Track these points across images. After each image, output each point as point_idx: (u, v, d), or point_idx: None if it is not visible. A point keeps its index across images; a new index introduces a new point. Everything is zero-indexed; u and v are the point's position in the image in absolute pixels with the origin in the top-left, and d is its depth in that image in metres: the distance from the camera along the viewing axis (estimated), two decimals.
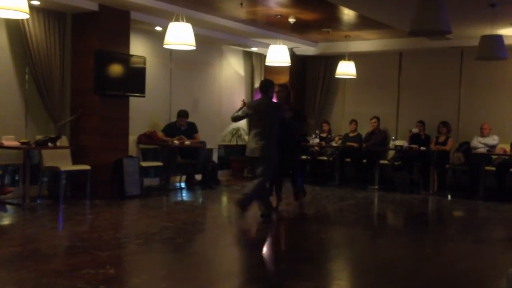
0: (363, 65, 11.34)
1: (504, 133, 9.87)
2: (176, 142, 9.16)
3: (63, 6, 7.89)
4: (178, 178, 10.06)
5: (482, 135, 9.89)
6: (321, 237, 6.35)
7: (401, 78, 11.58)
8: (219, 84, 11.37)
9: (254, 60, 11.97)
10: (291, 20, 9.17)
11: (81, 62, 8.26)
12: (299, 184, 7.93)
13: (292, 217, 7.55)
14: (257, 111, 6.94)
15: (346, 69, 10.82)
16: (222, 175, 11.17)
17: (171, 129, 9.48)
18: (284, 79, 11.49)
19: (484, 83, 10.67)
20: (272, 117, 6.87)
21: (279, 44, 9.66)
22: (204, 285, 4.30)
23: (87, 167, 7.92)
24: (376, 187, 10.35)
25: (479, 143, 9.83)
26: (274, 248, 5.98)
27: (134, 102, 8.85)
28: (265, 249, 5.84)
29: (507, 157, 9.51)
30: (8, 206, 7.25)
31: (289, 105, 7.49)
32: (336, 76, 11.16)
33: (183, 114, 9.56)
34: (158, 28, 9.07)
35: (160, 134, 9.35)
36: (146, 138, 9.11)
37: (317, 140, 11.01)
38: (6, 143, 7.15)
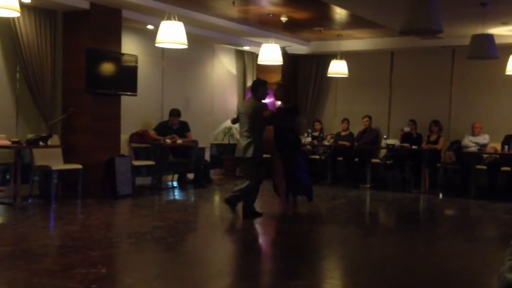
0: (355, 64, 11.36)
1: (495, 132, 9.92)
2: (168, 141, 9.14)
3: (54, 4, 7.85)
4: (170, 177, 10.05)
5: (473, 134, 9.93)
6: (313, 236, 6.36)
7: (393, 77, 11.61)
8: (211, 83, 11.36)
9: (246, 59, 11.96)
10: (283, 19, 9.17)
11: (72, 60, 8.23)
12: (307, 185, 7.87)
13: (284, 216, 7.55)
14: (243, 111, 6.97)
15: (338, 68, 10.83)
16: (214, 174, 11.17)
17: (163, 128, 9.47)
18: (276, 78, 11.49)
19: (475, 82, 10.72)
20: (255, 117, 6.86)
21: (271, 43, 9.67)
22: (196, 284, 4.29)
23: (79, 166, 7.89)
24: (368, 185, 10.38)
25: (470, 142, 9.88)
26: (266, 246, 5.98)
27: (126, 100, 8.82)
28: (257, 248, 5.84)
29: (498, 156, 9.57)
30: None
31: (285, 104, 7.48)
32: (328, 75, 11.19)
33: (175, 113, 9.54)
34: (150, 27, 9.05)
35: (152, 133, 9.33)
36: (138, 137, 9.09)
37: (309, 139, 11.04)
38: None
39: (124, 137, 8.92)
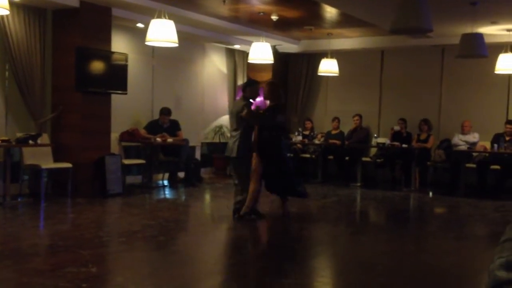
0: (346, 62, 11.37)
1: (484, 130, 9.97)
2: (158, 139, 9.12)
3: (43, 2, 7.80)
4: (160, 175, 10.01)
5: (463, 132, 9.99)
6: (304, 235, 6.37)
7: (383, 76, 11.64)
8: (201, 81, 11.34)
9: (236, 58, 11.95)
10: (274, 17, 9.18)
11: (62, 59, 8.18)
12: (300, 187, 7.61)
13: (274, 215, 7.55)
14: (232, 111, 7.02)
15: (328, 67, 10.84)
16: (204, 172, 11.15)
17: (153, 127, 9.44)
18: (266, 76, 11.48)
19: (465, 81, 10.77)
20: (238, 116, 6.85)
21: (262, 41, 9.66)
22: (187, 282, 4.28)
23: (69, 165, 7.85)
24: (358, 184, 10.41)
25: (460, 141, 9.93)
26: (257, 245, 5.99)
27: (116, 99, 8.78)
28: (248, 247, 5.84)
29: (487, 155, 9.62)
30: None
31: (273, 103, 7.40)
32: (319, 74, 11.19)
33: (165, 111, 9.52)
34: (140, 25, 9.01)
35: (143, 132, 9.30)
36: (128, 135, 9.06)
37: (299, 138, 11.05)
38: None
39: (114, 135, 8.88)
